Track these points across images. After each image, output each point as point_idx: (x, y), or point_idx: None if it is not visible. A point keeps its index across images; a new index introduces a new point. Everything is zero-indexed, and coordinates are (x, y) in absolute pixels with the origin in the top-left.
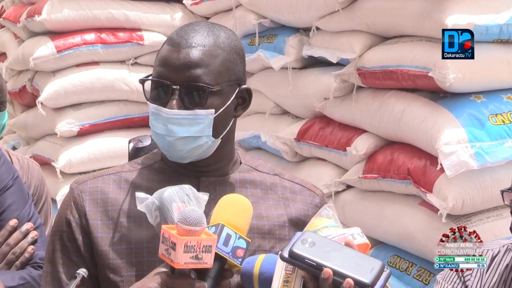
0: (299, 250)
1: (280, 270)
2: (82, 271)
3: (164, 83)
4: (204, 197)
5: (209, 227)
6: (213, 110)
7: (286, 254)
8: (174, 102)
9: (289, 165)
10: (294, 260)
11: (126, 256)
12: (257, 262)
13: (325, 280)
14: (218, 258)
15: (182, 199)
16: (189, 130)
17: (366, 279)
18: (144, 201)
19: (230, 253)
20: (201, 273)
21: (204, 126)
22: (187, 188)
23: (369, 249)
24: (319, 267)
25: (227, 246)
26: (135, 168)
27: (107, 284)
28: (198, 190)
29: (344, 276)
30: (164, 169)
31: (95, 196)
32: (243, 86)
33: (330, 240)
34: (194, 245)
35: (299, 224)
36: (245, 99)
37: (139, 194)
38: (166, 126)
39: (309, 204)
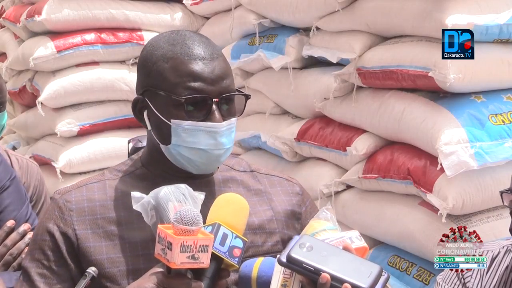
0: (297, 254)
1: (278, 274)
2: (92, 270)
3: (205, 98)
4: (200, 196)
5: (206, 227)
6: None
7: (284, 259)
8: (217, 114)
9: (289, 165)
10: (292, 264)
11: (122, 264)
12: (255, 266)
13: (323, 285)
14: (214, 257)
15: (178, 198)
16: (230, 140)
17: (364, 283)
18: (140, 201)
19: (227, 253)
20: (198, 273)
21: (234, 133)
22: (183, 187)
23: (367, 252)
24: (317, 272)
25: (223, 245)
26: (117, 175)
27: None
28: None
29: (342, 281)
30: (147, 176)
31: (82, 205)
32: None
33: (328, 244)
34: (191, 245)
35: (287, 214)
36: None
37: (135, 194)
38: (216, 140)
39: (291, 194)
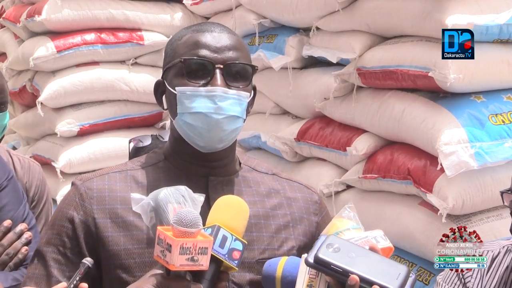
0: (324, 255)
1: (303, 274)
2: (88, 261)
3: (206, 63)
4: (200, 198)
5: (205, 229)
6: (249, 93)
7: (311, 260)
8: (219, 80)
9: (289, 165)
10: (320, 265)
11: (139, 256)
12: (280, 265)
13: (351, 286)
14: (214, 260)
15: (177, 200)
16: (235, 109)
17: (393, 285)
18: (140, 202)
19: (226, 255)
20: (197, 275)
21: (244, 108)
22: (183, 189)
23: (392, 252)
24: (345, 273)
25: (223, 248)
26: (140, 166)
27: (120, 284)
28: (207, 189)
29: (371, 283)
30: (170, 168)
31: (103, 193)
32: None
33: (354, 244)
34: (190, 247)
35: (304, 222)
36: (254, 94)
37: (134, 195)
38: (215, 104)
39: (309, 201)
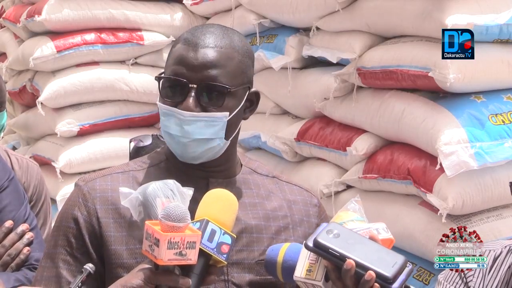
0: (323, 240)
1: (303, 259)
2: (89, 267)
3: (181, 82)
4: (189, 192)
5: (194, 223)
6: (228, 113)
7: (310, 243)
8: (191, 101)
9: (289, 165)
10: (318, 249)
11: (141, 256)
12: (282, 250)
13: (347, 271)
14: (202, 254)
15: (166, 194)
16: (204, 132)
17: (388, 272)
18: (128, 196)
19: (215, 249)
20: (186, 269)
21: (218, 128)
22: (172, 183)
23: (393, 244)
24: (342, 258)
25: (211, 242)
26: (142, 167)
27: None
28: (207, 191)
29: (366, 268)
30: (171, 169)
31: (106, 194)
32: (253, 89)
33: (355, 232)
34: (178, 242)
35: (304, 224)
36: (252, 102)
37: (123, 189)
38: (182, 128)
39: (309, 204)
